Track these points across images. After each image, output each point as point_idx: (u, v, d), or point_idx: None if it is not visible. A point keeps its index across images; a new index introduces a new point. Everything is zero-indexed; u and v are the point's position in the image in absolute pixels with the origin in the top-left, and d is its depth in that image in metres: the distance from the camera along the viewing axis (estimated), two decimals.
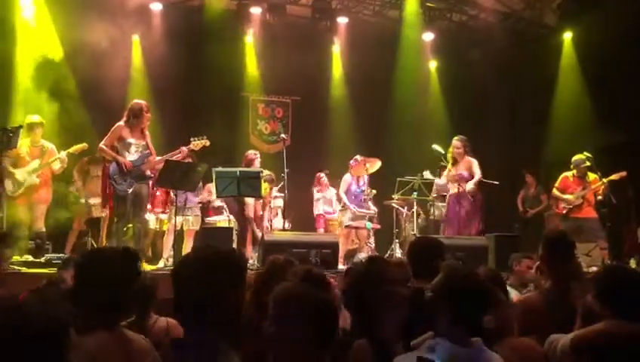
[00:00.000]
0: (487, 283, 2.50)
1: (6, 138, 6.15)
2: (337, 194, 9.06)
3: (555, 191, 8.59)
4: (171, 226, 7.48)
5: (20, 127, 6.36)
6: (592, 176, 8.31)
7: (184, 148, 6.65)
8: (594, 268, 6.62)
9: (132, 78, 10.06)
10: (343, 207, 8.80)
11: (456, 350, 2.17)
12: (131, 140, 6.39)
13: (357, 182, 8.71)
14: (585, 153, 8.32)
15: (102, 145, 6.39)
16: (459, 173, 7.90)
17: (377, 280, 2.70)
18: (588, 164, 8.25)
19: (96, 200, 7.77)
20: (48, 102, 7.80)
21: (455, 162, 7.98)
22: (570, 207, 8.31)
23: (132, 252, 2.42)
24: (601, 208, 8.32)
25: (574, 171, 8.37)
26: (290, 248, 6.00)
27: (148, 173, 6.51)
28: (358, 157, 8.72)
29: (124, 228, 6.55)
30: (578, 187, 8.33)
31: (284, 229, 8.05)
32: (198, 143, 6.77)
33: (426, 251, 3.43)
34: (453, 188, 8.01)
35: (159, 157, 6.56)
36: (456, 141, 8.05)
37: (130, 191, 6.31)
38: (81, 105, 8.50)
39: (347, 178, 8.73)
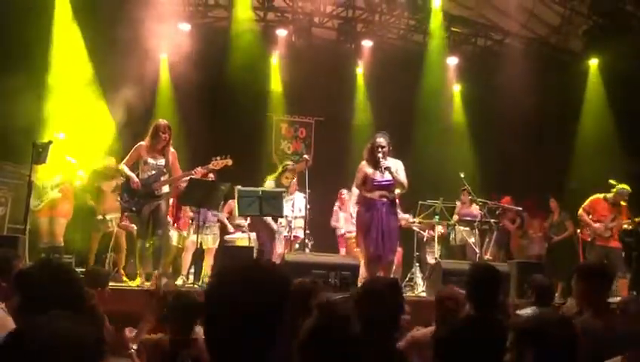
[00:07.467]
0: None
1: (36, 153, 6.25)
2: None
3: (582, 214, 8.06)
4: (190, 244, 7.52)
5: (50, 142, 6.42)
6: (623, 204, 7.94)
7: (199, 169, 6.51)
8: (617, 299, 6.46)
9: (159, 96, 10.24)
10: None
11: None
12: (147, 159, 6.35)
13: None
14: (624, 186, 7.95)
15: (121, 164, 6.43)
16: (386, 179, 6.37)
17: None
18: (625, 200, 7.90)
19: (112, 216, 7.44)
20: (76, 118, 7.96)
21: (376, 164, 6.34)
22: (596, 236, 7.96)
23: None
24: (625, 237, 8.10)
25: (608, 196, 7.94)
26: (310, 269, 6.01)
27: (160, 191, 6.35)
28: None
29: (147, 245, 6.56)
30: (608, 213, 7.92)
31: (304, 249, 8.04)
32: (218, 163, 6.56)
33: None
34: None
35: (171, 177, 6.47)
36: (383, 138, 6.50)
37: (143, 209, 6.27)
38: (109, 121, 8.64)
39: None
